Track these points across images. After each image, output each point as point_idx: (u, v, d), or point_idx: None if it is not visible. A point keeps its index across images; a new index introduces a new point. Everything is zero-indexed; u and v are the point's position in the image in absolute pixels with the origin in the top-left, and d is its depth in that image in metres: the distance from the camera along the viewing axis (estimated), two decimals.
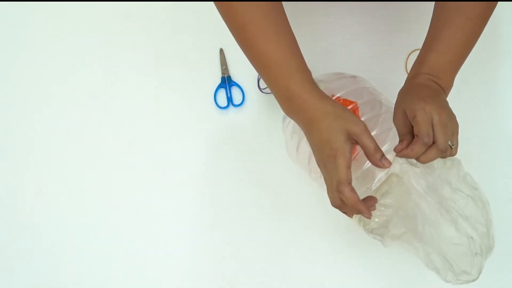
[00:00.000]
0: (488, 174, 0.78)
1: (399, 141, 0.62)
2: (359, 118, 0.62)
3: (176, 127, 0.90)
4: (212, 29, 0.93)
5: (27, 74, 0.94)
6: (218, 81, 0.91)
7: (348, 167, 0.58)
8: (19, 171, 0.90)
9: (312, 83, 0.62)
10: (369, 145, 0.59)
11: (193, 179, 0.88)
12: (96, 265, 0.86)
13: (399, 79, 0.89)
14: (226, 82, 0.91)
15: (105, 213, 0.88)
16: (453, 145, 0.62)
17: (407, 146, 0.60)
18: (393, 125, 0.64)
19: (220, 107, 0.90)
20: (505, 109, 0.89)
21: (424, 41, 0.69)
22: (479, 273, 0.64)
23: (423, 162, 0.61)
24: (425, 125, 0.59)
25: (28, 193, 0.89)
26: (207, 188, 0.88)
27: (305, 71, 0.63)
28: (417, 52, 0.88)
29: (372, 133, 0.61)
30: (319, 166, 0.62)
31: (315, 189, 0.86)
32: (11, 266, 0.87)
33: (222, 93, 0.91)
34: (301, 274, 0.84)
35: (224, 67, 0.92)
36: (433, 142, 0.60)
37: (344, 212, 0.62)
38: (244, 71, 0.92)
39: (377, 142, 0.60)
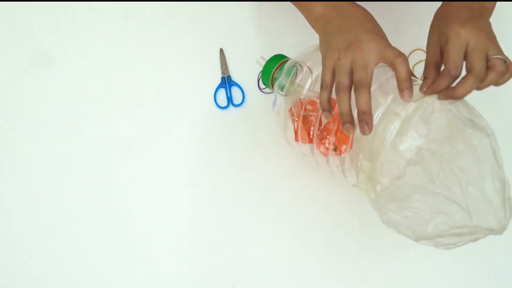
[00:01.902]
0: None
1: (423, 77, 0.58)
2: None
3: (176, 127, 0.90)
4: (212, 29, 0.93)
5: (26, 74, 0.94)
6: (218, 81, 0.91)
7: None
8: (18, 171, 0.90)
9: None
10: (402, 72, 0.55)
11: (193, 179, 0.88)
12: (95, 265, 0.86)
13: None
14: (226, 82, 0.91)
15: (105, 213, 0.88)
16: (504, 57, 0.55)
17: (435, 77, 0.56)
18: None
19: (220, 107, 0.90)
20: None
21: None
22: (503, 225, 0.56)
23: (459, 96, 0.55)
24: (455, 55, 0.54)
25: (28, 193, 0.89)
26: (207, 188, 0.88)
27: None
28: (417, 52, 0.90)
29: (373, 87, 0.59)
30: (335, 49, 0.58)
31: (316, 189, 0.86)
32: (11, 266, 0.87)
33: (222, 93, 0.91)
34: (301, 274, 0.84)
35: (224, 67, 0.92)
36: (469, 71, 0.54)
37: (347, 115, 0.56)
38: (244, 71, 0.92)
39: (379, 94, 0.58)
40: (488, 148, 0.57)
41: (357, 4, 0.63)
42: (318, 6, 0.64)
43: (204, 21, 0.94)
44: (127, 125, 0.91)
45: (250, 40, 0.92)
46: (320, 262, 0.84)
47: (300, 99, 0.70)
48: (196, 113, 0.91)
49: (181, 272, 0.85)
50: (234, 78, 0.92)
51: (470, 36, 0.54)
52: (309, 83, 0.69)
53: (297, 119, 0.71)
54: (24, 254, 0.87)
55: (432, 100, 0.57)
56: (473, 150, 0.56)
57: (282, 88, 0.72)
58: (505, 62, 0.55)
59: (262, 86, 0.90)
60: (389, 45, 0.58)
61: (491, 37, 0.56)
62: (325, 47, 0.60)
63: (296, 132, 0.72)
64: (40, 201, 0.89)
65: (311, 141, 0.71)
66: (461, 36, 0.54)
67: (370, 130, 0.55)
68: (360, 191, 0.62)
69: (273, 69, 0.77)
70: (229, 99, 0.90)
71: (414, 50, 0.90)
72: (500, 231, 0.56)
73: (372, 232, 0.84)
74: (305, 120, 0.70)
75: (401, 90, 0.55)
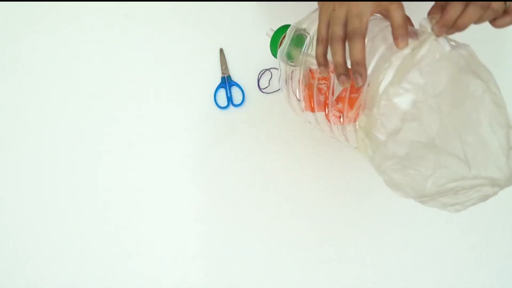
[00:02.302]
0: None
1: (428, 15, 0.57)
2: None
3: (176, 127, 0.90)
4: (212, 29, 0.93)
5: (25, 74, 0.94)
6: (218, 81, 0.91)
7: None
8: (18, 171, 0.90)
9: None
10: (397, 18, 0.55)
11: (192, 178, 0.88)
12: (95, 265, 0.86)
13: None
14: (226, 82, 0.91)
15: (105, 213, 0.88)
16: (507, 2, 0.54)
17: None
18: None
19: (220, 107, 0.90)
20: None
21: None
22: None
23: (461, 26, 0.54)
24: None
25: (28, 193, 0.89)
26: (207, 188, 0.88)
27: None
28: None
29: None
30: None
31: (317, 188, 0.86)
32: (11, 266, 0.87)
33: (222, 93, 0.91)
34: (303, 274, 0.84)
35: (224, 67, 0.92)
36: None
37: (342, 66, 0.55)
38: (244, 71, 0.92)
39: (375, 44, 0.57)
40: (486, 93, 0.54)
41: None
42: None
43: (204, 21, 0.94)
44: (127, 125, 0.91)
45: (250, 40, 0.92)
46: (321, 262, 0.84)
47: (310, 68, 0.68)
48: (196, 113, 0.90)
49: (181, 272, 0.85)
50: (234, 78, 0.92)
51: None
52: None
53: (306, 89, 0.69)
54: (24, 254, 0.87)
55: (430, 48, 0.54)
56: (471, 98, 0.54)
57: (291, 58, 0.68)
58: (505, 4, 0.54)
59: (262, 86, 0.91)
60: None
61: None
62: (322, 0, 0.58)
63: (306, 101, 0.70)
64: (40, 201, 0.89)
65: (320, 109, 0.69)
66: None
67: (364, 81, 0.54)
68: (360, 153, 0.59)
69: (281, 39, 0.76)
70: (229, 99, 0.90)
71: None
72: (503, 180, 0.53)
73: (375, 233, 0.84)
74: (314, 89, 0.68)
75: (395, 37, 0.54)
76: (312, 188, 0.86)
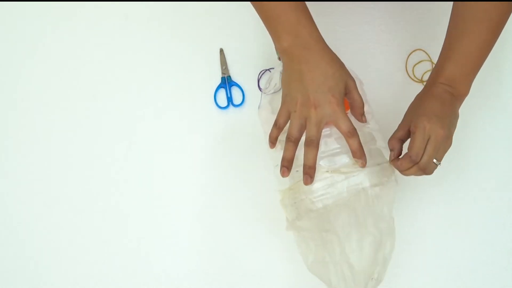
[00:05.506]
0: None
1: (389, 147, 0.69)
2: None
3: (176, 127, 0.90)
4: (212, 29, 0.93)
5: (25, 75, 0.94)
6: (218, 81, 0.91)
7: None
8: (18, 171, 0.90)
9: (318, 31, 0.66)
10: (358, 98, 0.66)
11: (193, 179, 0.88)
12: (95, 265, 0.86)
13: (399, 79, 0.90)
14: (226, 82, 0.91)
15: (105, 213, 0.88)
16: (439, 163, 0.67)
17: (396, 158, 0.68)
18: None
19: (220, 107, 0.90)
20: None
21: (441, 50, 0.71)
22: None
23: (404, 175, 0.68)
24: (418, 145, 0.65)
25: (27, 193, 0.89)
26: (207, 188, 0.88)
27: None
28: (417, 52, 0.90)
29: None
30: (294, 100, 0.65)
31: None
32: (11, 266, 0.87)
33: (222, 93, 0.91)
34: (303, 274, 0.84)
35: (224, 67, 0.92)
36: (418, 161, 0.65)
37: (287, 161, 0.66)
38: (244, 71, 0.92)
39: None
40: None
41: (326, 48, 0.65)
42: (285, 38, 0.65)
43: (204, 21, 0.94)
44: (127, 125, 0.91)
45: (250, 40, 0.92)
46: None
47: None
48: (196, 113, 0.90)
49: (181, 272, 0.85)
50: (234, 78, 0.92)
51: (433, 131, 0.64)
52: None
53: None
54: (25, 254, 0.87)
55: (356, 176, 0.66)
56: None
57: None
58: (437, 164, 0.67)
59: (262, 86, 0.90)
60: (342, 112, 0.64)
61: (448, 136, 0.66)
62: (285, 89, 0.66)
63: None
64: (40, 201, 0.89)
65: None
66: (427, 130, 0.64)
67: (312, 182, 0.65)
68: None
69: None
70: (229, 99, 0.90)
71: (414, 50, 0.90)
72: None
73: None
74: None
75: (356, 158, 0.65)
76: None
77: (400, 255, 0.82)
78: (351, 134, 0.64)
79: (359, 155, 0.65)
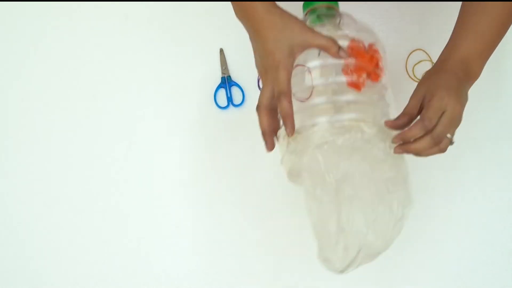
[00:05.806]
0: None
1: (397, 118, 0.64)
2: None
3: (175, 127, 0.90)
4: (212, 29, 0.93)
5: (25, 75, 0.94)
6: (218, 81, 0.91)
7: (289, 80, 0.61)
8: (18, 171, 0.90)
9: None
10: (322, 43, 0.62)
11: (192, 179, 0.88)
12: (95, 266, 0.86)
13: (399, 79, 0.89)
14: (226, 82, 0.91)
15: (104, 212, 0.88)
16: (452, 142, 0.63)
17: (405, 124, 0.62)
18: None
19: (220, 107, 0.90)
20: None
21: (455, 25, 0.68)
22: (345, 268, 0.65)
23: (412, 151, 0.62)
24: (434, 111, 0.60)
25: (27, 193, 0.89)
26: (207, 188, 0.88)
27: None
28: (417, 52, 0.90)
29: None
30: (260, 74, 0.65)
31: None
32: (12, 266, 0.87)
33: (222, 93, 0.91)
34: (305, 273, 0.84)
35: (224, 67, 0.92)
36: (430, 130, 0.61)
37: (263, 133, 0.64)
38: (244, 71, 0.92)
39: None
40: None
41: (269, 14, 0.64)
42: (248, 17, 0.66)
43: (204, 21, 0.94)
44: (127, 125, 0.91)
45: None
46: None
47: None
48: (196, 113, 0.90)
49: (181, 272, 0.85)
50: (234, 78, 0.92)
51: (450, 105, 0.61)
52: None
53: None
54: (25, 254, 0.87)
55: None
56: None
57: None
58: (451, 142, 0.63)
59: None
60: (282, 64, 0.61)
61: (461, 114, 0.62)
62: (255, 60, 0.67)
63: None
64: (40, 201, 0.89)
65: None
66: (444, 101, 0.60)
67: (293, 131, 0.62)
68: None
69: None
70: (229, 99, 0.90)
71: (414, 50, 0.90)
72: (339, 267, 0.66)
73: None
74: None
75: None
76: None
77: (400, 255, 0.82)
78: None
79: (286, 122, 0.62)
